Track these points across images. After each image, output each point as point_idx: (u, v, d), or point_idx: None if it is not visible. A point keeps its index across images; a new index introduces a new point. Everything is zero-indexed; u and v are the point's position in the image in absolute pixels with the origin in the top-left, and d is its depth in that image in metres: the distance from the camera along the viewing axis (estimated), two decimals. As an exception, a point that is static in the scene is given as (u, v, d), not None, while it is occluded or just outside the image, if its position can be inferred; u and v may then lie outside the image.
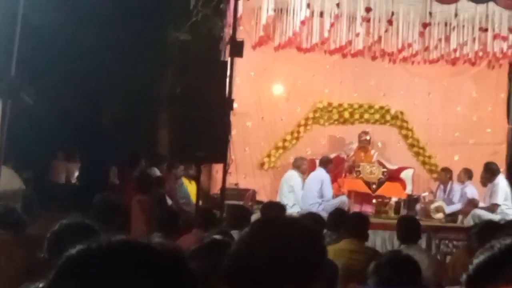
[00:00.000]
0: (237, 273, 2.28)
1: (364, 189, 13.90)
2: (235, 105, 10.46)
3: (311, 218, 7.38)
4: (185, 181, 12.94)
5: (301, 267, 2.30)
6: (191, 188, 12.64)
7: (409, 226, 8.09)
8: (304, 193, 13.13)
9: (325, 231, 8.08)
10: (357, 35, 13.72)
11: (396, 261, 4.76)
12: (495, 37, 13.80)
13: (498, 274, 1.58)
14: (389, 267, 4.67)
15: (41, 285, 2.31)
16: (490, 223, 6.69)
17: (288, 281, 2.26)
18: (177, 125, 10.14)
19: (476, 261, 1.64)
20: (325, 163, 13.51)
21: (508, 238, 1.66)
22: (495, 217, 11.62)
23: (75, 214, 4.37)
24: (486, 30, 13.71)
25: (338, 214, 8.64)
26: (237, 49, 10.19)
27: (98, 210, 6.87)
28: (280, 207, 8.62)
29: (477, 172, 13.51)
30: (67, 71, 14.15)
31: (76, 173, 14.34)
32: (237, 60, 10.43)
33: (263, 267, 2.26)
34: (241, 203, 12.19)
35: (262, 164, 15.04)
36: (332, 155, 14.39)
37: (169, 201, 11.48)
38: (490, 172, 12.92)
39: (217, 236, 4.71)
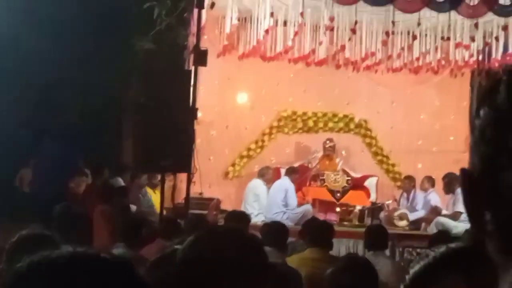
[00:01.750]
0: (184, 279, 2.33)
1: (329, 197, 13.95)
2: (199, 114, 10.46)
3: (274, 227, 7.39)
4: (149, 190, 12.87)
5: (244, 275, 2.35)
6: (155, 197, 12.57)
7: (376, 234, 8.18)
8: (269, 202, 13.13)
9: (289, 240, 8.11)
10: (321, 43, 13.78)
11: (354, 266, 4.78)
12: (457, 45, 13.93)
13: (433, 281, 1.59)
14: (347, 272, 4.67)
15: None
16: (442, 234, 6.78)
17: (234, 287, 2.31)
18: (141, 134, 10.07)
19: (412, 270, 1.66)
20: (291, 172, 13.54)
21: (442, 247, 1.68)
22: (458, 225, 11.74)
23: (34, 225, 4.34)
24: (448, 39, 13.83)
25: (310, 223, 8.66)
26: (201, 58, 10.20)
27: (59, 220, 6.82)
28: (244, 217, 8.61)
29: (440, 179, 13.62)
30: (27, 79, 14.01)
31: (36, 182, 14.19)
32: (201, 69, 10.44)
33: (208, 273, 2.32)
34: (205, 212, 12.15)
35: (227, 173, 15.02)
36: (297, 164, 14.41)
37: (133, 211, 11.41)
38: (453, 180, 13.03)
39: (179, 246, 4.68)
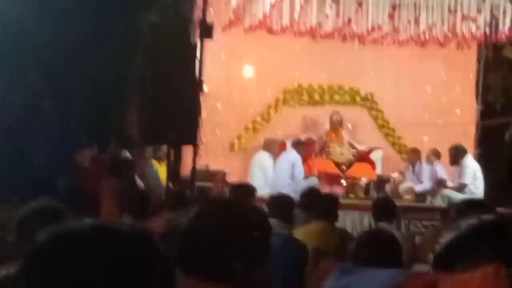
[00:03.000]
0: (188, 252, 2.33)
1: (334, 170, 13.96)
2: (204, 87, 10.44)
3: (281, 199, 7.40)
4: (154, 163, 12.89)
5: (249, 244, 2.38)
6: (160, 170, 12.60)
7: (384, 206, 8.23)
8: (275, 174, 13.15)
9: (295, 211, 8.14)
10: (327, 17, 13.73)
11: (379, 239, 4.68)
12: (463, 18, 13.88)
13: (466, 253, 1.58)
14: (369, 245, 4.55)
15: (11, 269, 2.30)
16: (471, 202, 6.69)
17: (237, 258, 2.32)
18: (147, 107, 10.06)
19: (443, 240, 1.65)
20: (297, 145, 13.54)
21: (474, 217, 1.67)
22: (463, 197, 11.75)
23: (42, 198, 4.35)
24: (455, 11, 13.79)
25: (308, 193, 8.71)
26: (207, 31, 10.17)
27: (66, 194, 6.83)
28: (249, 189, 8.62)
29: (446, 152, 13.63)
30: (32, 58, 14.00)
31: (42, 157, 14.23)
32: (207, 42, 10.41)
33: (212, 245, 2.34)
34: (211, 185, 12.19)
35: (232, 146, 15.03)
36: (303, 137, 14.40)
37: (140, 184, 11.44)
38: (458, 152, 13.04)
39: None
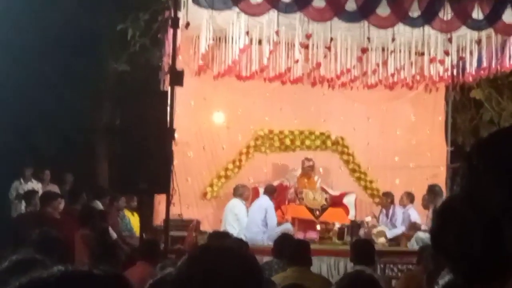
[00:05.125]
0: None
1: (308, 215, 13.89)
2: (176, 135, 10.37)
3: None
4: (127, 213, 12.76)
5: None
6: (133, 220, 12.47)
7: (363, 249, 8.17)
8: (249, 222, 13.06)
9: (271, 259, 8.05)
10: (296, 61, 13.75)
11: (359, 281, 4.69)
12: (431, 60, 13.98)
13: None
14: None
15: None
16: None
17: None
18: (118, 156, 9.99)
19: (442, 281, 1.62)
20: (270, 191, 13.47)
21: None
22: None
23: (25, 250, 4.26)
24: (422, 54, 13.90)
25: (281, 241, 8.65)
26: (177, 78, 10.13)
27: (38, 245, 6.68)
28: (226, 236, 8.54)
29: (418, 194, 13.68)
30: (1, 103, 13.90)
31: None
32: (177, 90, 10.35)
33: None
34: (185, 234, 12.06)
35: (205, 194, 14.91)
36: (275, 183, 14.35)
37: (113, 234, 11.30)
38: (433, 194, 13.05)
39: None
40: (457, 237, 1.40)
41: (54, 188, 13.93)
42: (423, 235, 12.70)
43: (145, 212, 12.28)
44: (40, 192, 13.81)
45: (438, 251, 1.45)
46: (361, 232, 13.68)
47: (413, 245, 12.76)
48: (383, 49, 14.17)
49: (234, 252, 2.47)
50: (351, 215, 14.51)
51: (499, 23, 12.32)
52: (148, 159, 9.30)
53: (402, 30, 12.91)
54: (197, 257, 2.42)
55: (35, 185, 14.36)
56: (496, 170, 1.39)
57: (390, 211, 14.00)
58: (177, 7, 10.79)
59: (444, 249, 1.43)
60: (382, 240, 13.35)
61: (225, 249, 2.54)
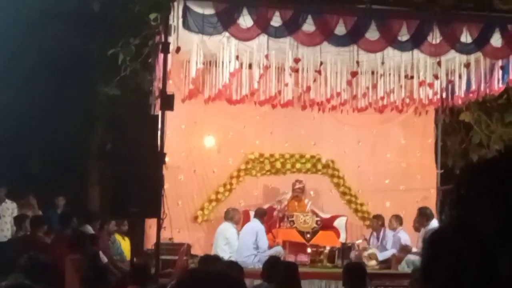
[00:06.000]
0: None
1: (299, 238, 13.89)
2: (166, 159, 10.39)
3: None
4: (118, 237, 12.73)
5: None
6: (124, 244, 12.44)
7: (355, 272, 8.20)
8: (240, 245, 13.05)
9: (261, 282, 8.07)
10: (286, 85, 13.82)
11: None
12: (420, 84, 14.07)
13: None
14: None
15: None
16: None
17: None
18: (109, 181, 10.00)
19: None
20: (260, 214, 13.48)
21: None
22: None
23: (15, 275, 4.30)
24: (412, 77, 13.97)
25: (271, 263, 8.66)
26: (168, 102, 10.18)
27: (26, 270, 6.68)
28: (217, 260, 8.54)
29: (409, 217, 13.70)
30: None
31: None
32: (167, 114, 10.40)
33: None
34: (176, 257, 12.05)
35: (196, 218, 14.90)
36: (266, 206, 14.36)
37: (104, 259, 11.27)
38: (424, 216, 13.09)
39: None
40: (448, 267, 1.42)
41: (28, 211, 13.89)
42: (414, 258, 12.71)
43: (136, 236, 12.28)
44: (15, 213, 13.81)
45: (429, 282, 1.48)
46: (352, 254, 13.68)
47: (403, 268, 12.76)
48: (372, 73, 14.26)
49: (222, 276, 2.49)
50: (342, 238, 14.52)
51: (487, 47, 12.45)
52: (139, 183, 9.32)
53: (391, 53, 13.02)
54: (185, 281, 2.44)
55: (9, 205, 14.20)
56: (486, 200, 1.42)
57: (381, 234, 14.01)
58: (167, 32, 10.87)
59: (435, 279, 1.45)
60: (373, 262, 13.34)
61: (213, 273, 2.56)
